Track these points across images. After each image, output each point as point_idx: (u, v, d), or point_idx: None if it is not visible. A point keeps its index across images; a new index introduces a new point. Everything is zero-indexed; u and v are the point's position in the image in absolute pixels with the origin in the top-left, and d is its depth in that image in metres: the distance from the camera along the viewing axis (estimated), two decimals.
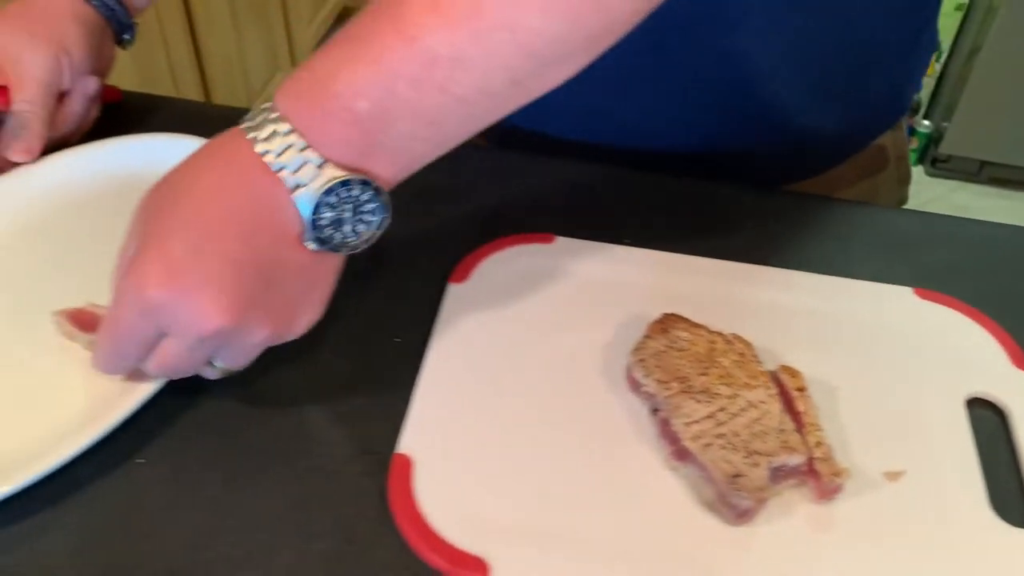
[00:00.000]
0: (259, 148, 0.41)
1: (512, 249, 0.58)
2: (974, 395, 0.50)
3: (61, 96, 0.61)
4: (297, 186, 0.41)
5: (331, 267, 0.46)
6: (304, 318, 0.46)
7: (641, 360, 0.49)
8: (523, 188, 0.65)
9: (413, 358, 0.52)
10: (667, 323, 0.51)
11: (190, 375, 0.46)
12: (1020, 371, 0.52)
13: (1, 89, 0.59)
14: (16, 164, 0.60)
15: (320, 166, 0.41)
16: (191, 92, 1.78)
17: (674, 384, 0.47)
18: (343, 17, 2.46)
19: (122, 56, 0.68)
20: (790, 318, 0.54)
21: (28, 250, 0.58)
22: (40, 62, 0.58)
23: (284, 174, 0.41)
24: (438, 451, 0.46)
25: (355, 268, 0.57)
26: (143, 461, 0.47)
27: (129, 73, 1.58)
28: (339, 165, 0.42)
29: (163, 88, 1.68)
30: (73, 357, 0.49)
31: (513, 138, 0.74)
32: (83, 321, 0.50)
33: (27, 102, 0.58)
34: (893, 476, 0.46)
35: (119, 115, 0.69)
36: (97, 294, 0.52)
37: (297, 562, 0.43)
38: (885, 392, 0.50)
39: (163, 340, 0.44)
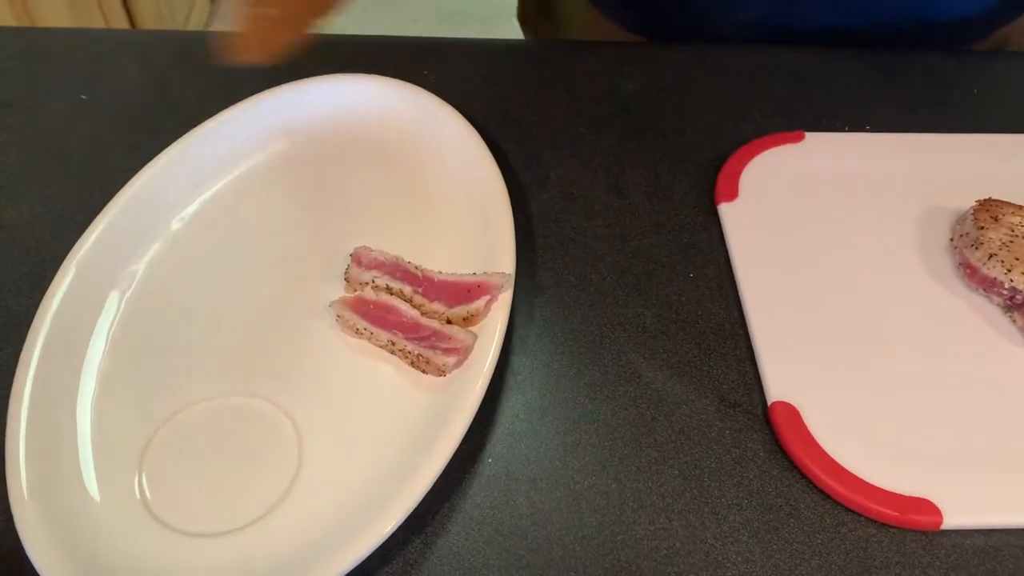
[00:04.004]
0: None
1: (765, 154, 0.52)
2: None
3: None
4: None
5: None
6: None
7: (992, 255, 0.44)
8: (746, 88, 0.58)
9: (716, 292, 0.46)
10: (992, 210, 0.46)
11: None
12: None
13: None
14: None
15: None
16: (118, 21, 1.58)
17: None
18: None
19: None
20: None
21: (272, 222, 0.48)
22: None
23: None
24: (813, 392, 0.41)
25: (608, 204, 0.50)
26: (491, 460, 0.40)
27: (59, 7, 1.38)
28: None
29: (94, 20, 1.49)
30: (371, 356, 0.42)
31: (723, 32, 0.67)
32: (369, 312, 0.41)
33: None
34: None
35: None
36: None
37: (718, 540, 0.38)
38: None
39: None
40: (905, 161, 0.52)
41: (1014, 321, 0.44)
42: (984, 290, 0.45)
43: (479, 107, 0.55)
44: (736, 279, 0.46)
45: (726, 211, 0.49)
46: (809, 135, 0.53)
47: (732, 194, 0.50)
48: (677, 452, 0.40)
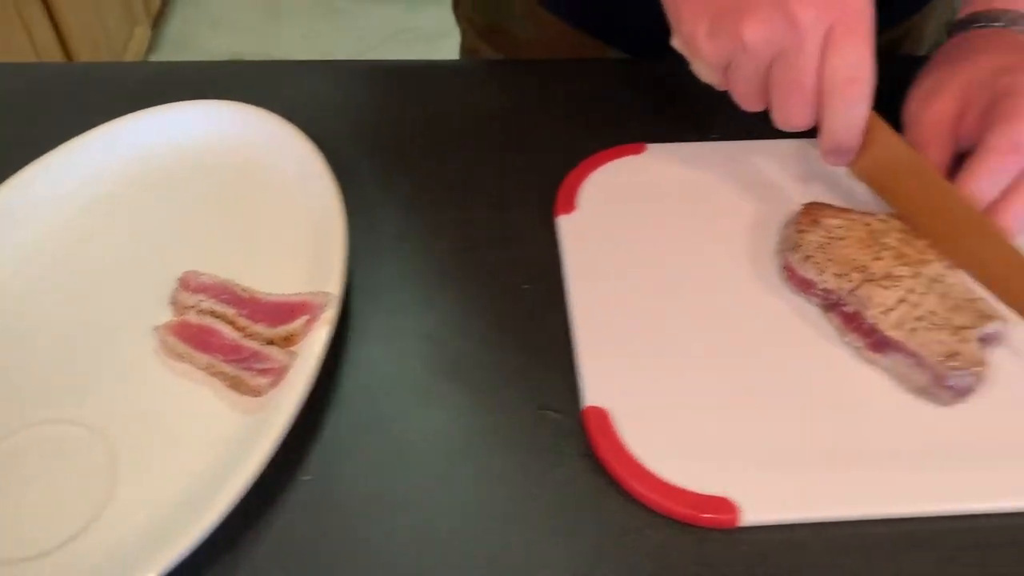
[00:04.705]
0: None
1: (605, 167, 0.54)
2: None
3: None
4: None
5: None
6: None
7: (808, 257, 0.46)
8: (604, 101, 0.59)
9: (549, 303, 0.47)
10: (814, 213, 0.48)
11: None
12: None
13: None
14: None
15: None
16: (52, 55, 1.58)
17: (854, 275, 0.45)
18: None
19: None
20: None
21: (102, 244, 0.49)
22: None
23: None
24: (626, 396, 0.43)
25: (454, 218, 0.51)
26: (309, 478, 0.41)
27: None
28: None
29: (23, 53, 1.49)
30: (193, 379, 0.42)
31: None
32: (192, 336, 0.42)
33: None
34: None
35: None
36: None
37: (526, 545, 0.39)
38: None
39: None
40: (744, 168, 0.54)
41: (831, 321, 0.46)
42: (803, 292, 0.47)
43: (337, 128, 0.56)
44: (566, 289, 0.47)
45: (564, 223, 0.50)
46: (651, 146, 0.55)
47: (570, 207, 0.51)
48: (493, 461, 0.41)
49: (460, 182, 0.54)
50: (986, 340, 0.43)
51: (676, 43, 0.47)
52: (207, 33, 2.18)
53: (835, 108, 0.44)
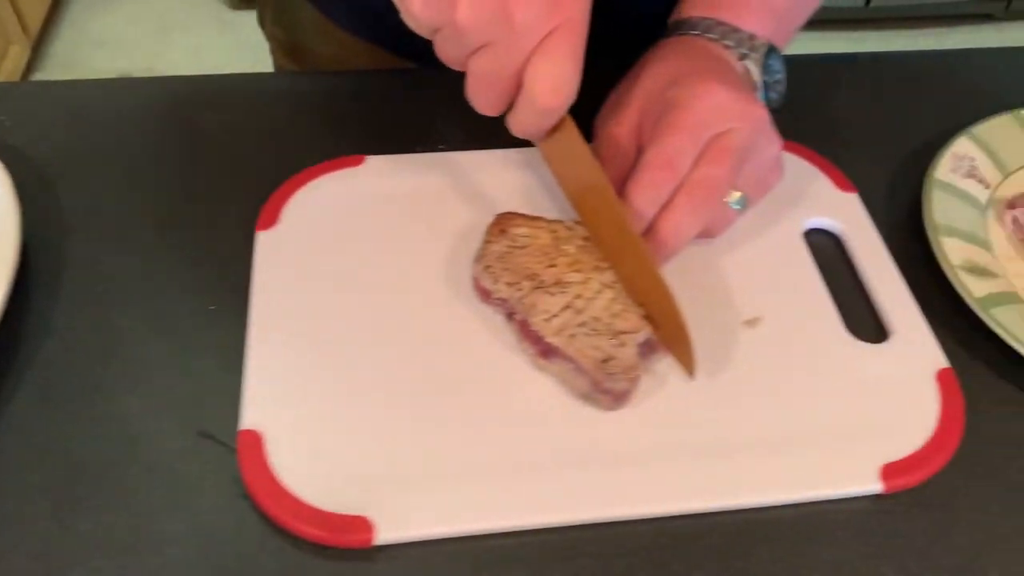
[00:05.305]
0: None
1: (319, 180, 0.53)
2: (810, 226, 0.51)
3: None
4: None
5: None
6: None
7: (487, 267, 0.45)
8: (318, 111, 0.58)
9: (234, 324, 0.46)
10: (503, 223, 0.47)
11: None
12: (845, 194, 0.53)
13: None
14: None
15: None
16: None
17: (525, 283, 0.44)
18: None
19: None
20: None
21: None
22: None
23: None
24: (287, 418, 0.41)
25: (155, 240, 0.50)
26: None
27: None
28: None
29: None
30: None
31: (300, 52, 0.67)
32: None
33: None
34: (752, 323, 0.46)
35: None
36: None
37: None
38: (726, 243, 0.50)
39: None
40: (464, 178, 0.53)
41: (512, 330, 0.45)
42: (486, 301, 0.46)
43: (57, 148, 0.55)
44: (249, 308, 0.46)
45: (262, 239, 0.49)
46: (370, 158, 0.54)
47: (271, 222, 0.50)
48: (136, 489, 0.40)
49: (167, 204, 0.52)
50: (649, 346, 0.43)
51: None
52: (94, 51, 2.14)
53: (527, 110, 0.43)
